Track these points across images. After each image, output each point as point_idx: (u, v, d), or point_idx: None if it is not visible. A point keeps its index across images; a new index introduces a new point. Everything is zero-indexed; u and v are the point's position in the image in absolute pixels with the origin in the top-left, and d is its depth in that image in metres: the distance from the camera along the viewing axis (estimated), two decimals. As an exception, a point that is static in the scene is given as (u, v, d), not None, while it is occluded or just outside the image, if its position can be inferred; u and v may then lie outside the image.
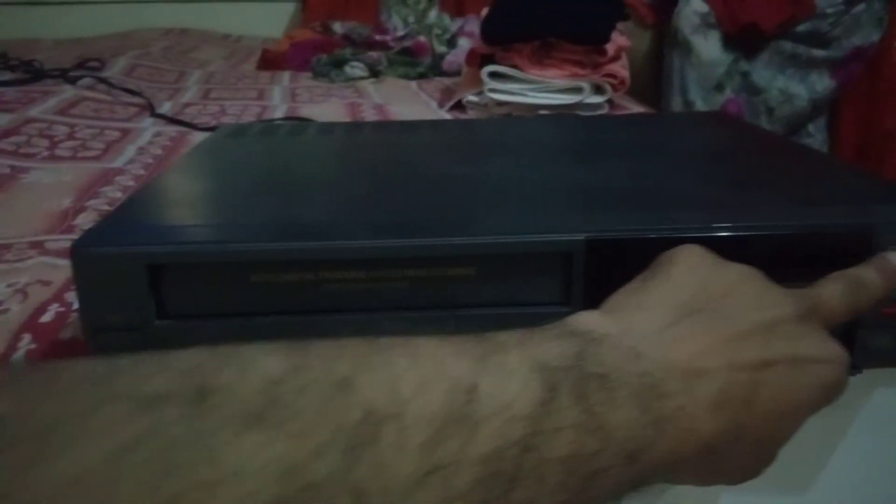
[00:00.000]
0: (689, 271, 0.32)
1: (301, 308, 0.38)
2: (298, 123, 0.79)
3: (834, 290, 0.34)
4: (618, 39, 1.11)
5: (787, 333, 0.30)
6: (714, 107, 1.52)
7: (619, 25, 1.12)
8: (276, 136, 0.63)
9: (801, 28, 1.47)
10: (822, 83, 1.52)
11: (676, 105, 1.54)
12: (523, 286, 0.39)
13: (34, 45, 1.81)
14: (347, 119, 1.10)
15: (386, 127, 0.66)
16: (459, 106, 1.17)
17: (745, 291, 0.31)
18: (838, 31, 1.47)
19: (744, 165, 0.53)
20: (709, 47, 1.49)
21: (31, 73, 1.27)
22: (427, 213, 0.41)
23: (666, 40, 1.58)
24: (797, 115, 1.54)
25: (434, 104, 1.23)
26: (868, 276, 0.35)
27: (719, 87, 1.51)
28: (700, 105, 1.52)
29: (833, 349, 0.31)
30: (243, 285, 0.37)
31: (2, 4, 2.18)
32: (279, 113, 1.13)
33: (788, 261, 0.40)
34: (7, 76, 1.24)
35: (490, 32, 1.11)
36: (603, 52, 1.07)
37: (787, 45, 1.49)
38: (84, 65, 1.37)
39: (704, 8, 1.49)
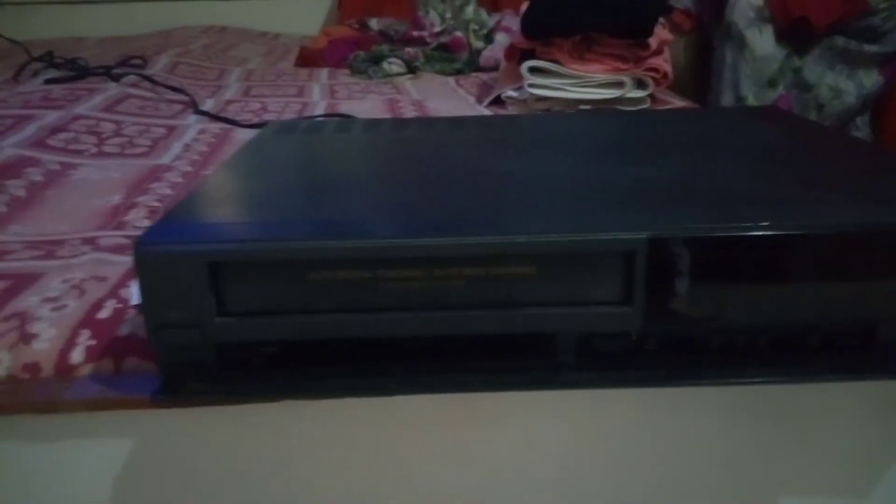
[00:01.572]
0: None
1: (359, 306, 0.38)
2: (344, 120, 0.79)
3: None
4: (661, 33, 1.09)
5: None
6: (766, 102, 1.49)
7: (662, 19, 1.11)
8: (323, 132, 0.63)
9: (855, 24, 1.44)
10: (871, 79, 1.48)
11: (727, 100, 1.51)
12: (584, 285, 0.38)
13: (78, 43, 1.84)
14: (387, 115, 1.10)
15: (432, 124, 0.66)
16: (498, 101, 1.16)
17: None
18: (890, 26, 1.43)
19: (804, 161, 0.52)
20: (763, 42, 1.46)
21: (77, 70, 1.29)
22: (483, 210, 0.41)
23: (717, 34, 1.55)
24: (846, 111, 1.51)
25: (472, 100, 1.23)
26: None
27: (772, 83, 1.48)
28: (752, 101, 1.50)
29: None
30: (302, 283, 0.37)
31: (46, 4, 2.22)
32: (319, 110, 1.14)
33: (857, 259, 0.39)
34: (53, 74, 1.26)
35: (530, 27, 1.10)
36: (645, 46, 1.06)
37: (840, 41, 1.45)
38: (127, 62, 1.38)
39: (760, 1, 1.46)
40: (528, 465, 0.45)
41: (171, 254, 0.35)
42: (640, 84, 1.08)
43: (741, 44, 1.47)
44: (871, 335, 0.41)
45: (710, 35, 1.64)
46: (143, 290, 0.36)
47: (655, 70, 1.07)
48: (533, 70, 1.09)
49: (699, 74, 1.65)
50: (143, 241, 0.36)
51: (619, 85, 1.07)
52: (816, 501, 0.47)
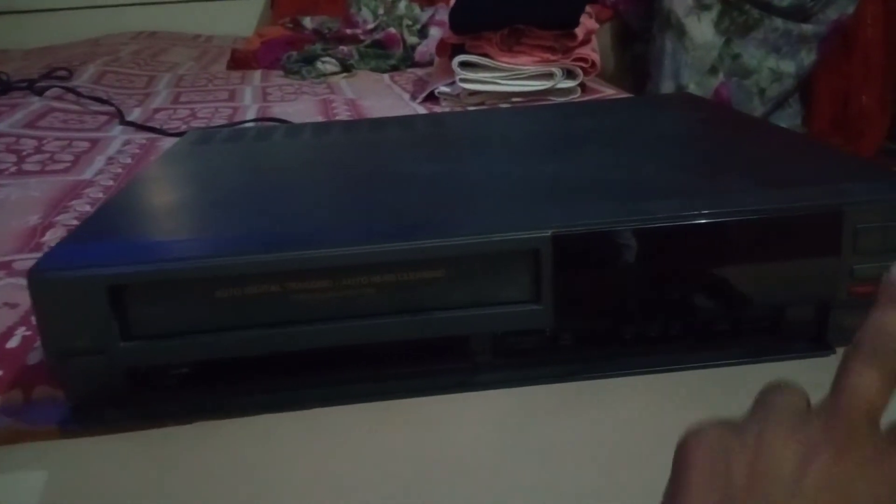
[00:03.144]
0: (706, 468, 0.28)
1: (270, 321, 0.37)
2: (265, 127, 0.78)
3: (866, 379, 0.26)
4: (587, 23, 1.10)
5: (835, 486, 0.25)
6: (707, 91, 1.50)
7: (588, 9, 1.12)
8: (242, 141, 0.62)
9: (786, 3, 1.46)
10: (809, 58, 1.52)
11: (667, 89, 1.53)
12: (493, 285, 0.38)
13: (2, 56, 1.79)
14: (320, 117, 1.09)
15: (354, 126, 0.65)
16: (432, 97, 1.16)
17: (767, 465, 0.27)
18: (818, 6, 1.47)
19: (714, 149, 0.52)
20: (702, 30, 1.47)
21: (-3, 85, 1.25)
22: (392, 217, 0.41)
23: (657, 23, 1.55)
24: (785, 92, 1.54)
25: (407, 97, 1.22)
26: (890, 321, 0.27)
27: (712, 71, 1.50)
28: (693, 89, 1.51)
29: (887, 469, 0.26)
30: (209, 301, 0.37)
31: (-34, 16, 2.14)
32: (251, 114, 1.12)
33: (762, 244, 0.40)
34: (-28, 90, 1.22)
35: (458, 22, 1.10)
36: (573, 37, 1.07)
37: (779, 22, 1.48)
38: (52, 74, 1.35)
39: None
40: (457, 466, 0.45)
41: (67, 279, 0.34)
42: (569, 74, 1.09)
43: (680, 32, 1.49)
44: (779, 318, 0.42)
45: (626, 24, 1.66)
46: (41, 319, 0.35)
47: (584, 60, 1.08)
48: (464, 65, 1.09)
49: (620, 62, 1.67)
50: (37, 268, 0.35)
51: (549, 76, 1.07)
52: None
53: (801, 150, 0.51)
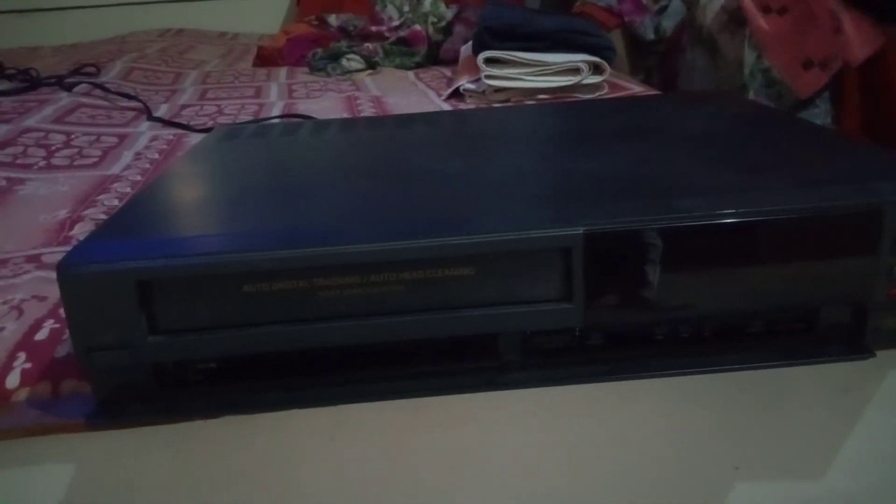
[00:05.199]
0: None
1: (297, 317, 0.37)
2: (292, 123, 0.78)
3: None
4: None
5: None
6: None
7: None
8: (268, 136, 0.62)
9: None
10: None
11: None
12: (523, 283, 0.38)
13: (32, 53, 1.81)
14: (345, 113, 1.09)
15: (379, 123, 0.65)
16: (457, 94, 1.16)
17: None
18: None
19: (748, 147, 0.51)
20: (736, 47, 1.44)
21: (28, 81, 1.26)
22: (421, 213, 0.40)
23: (688, 36, 1.52)
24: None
25: (432, 94, 1.22)
26: None
27: (743, 89, 1.47)
28: None
29: None
30: (236, 296, 0.36)
31: (-3, 13, 2.17)
32: (276, 111, 1.12)
33: (798, 243, 0.39)
34: (3, 86, 1.23)
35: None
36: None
37: None
38: (80, 71, 1.36)
39: (734, 4, 1.43)
40: (483, 466, 0.45)
41: (95, 274, 0.34)
42: (596, 69, 1.08)
43: (713, 49, 1.46)
44: (814, 319, 0.41)
45: (634, 30, 1.64)
46: (69, 313, 0.35)
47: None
48: (490, 61, 1.09)
49: (634, 72, 1.65)
50: (66, 262, 0.35)
51: (576, 71, 1.06)
52: (772, 485, 0.47)
53: (838, 147, 0.49)
